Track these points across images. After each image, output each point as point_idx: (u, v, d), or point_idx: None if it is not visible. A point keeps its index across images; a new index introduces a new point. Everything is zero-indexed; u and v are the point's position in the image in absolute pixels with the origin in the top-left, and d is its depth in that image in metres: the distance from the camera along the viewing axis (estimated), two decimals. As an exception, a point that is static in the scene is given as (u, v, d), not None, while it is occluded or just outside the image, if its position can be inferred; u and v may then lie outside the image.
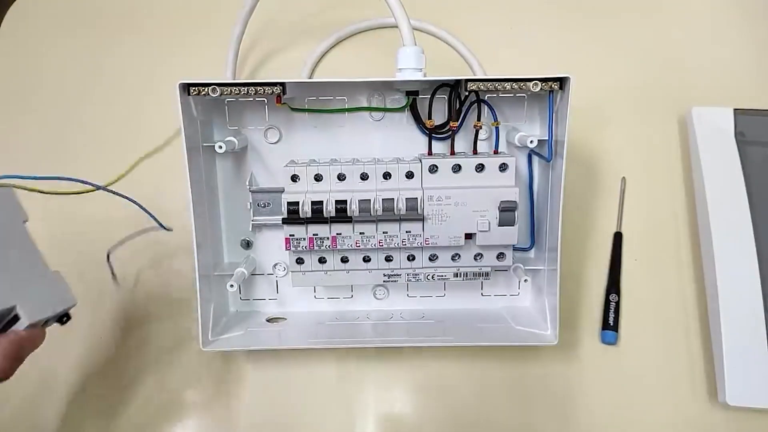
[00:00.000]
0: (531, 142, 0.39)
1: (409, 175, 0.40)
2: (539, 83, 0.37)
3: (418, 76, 0.38)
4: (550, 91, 0.38)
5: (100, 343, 0.46)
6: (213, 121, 0.42)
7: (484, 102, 0.41)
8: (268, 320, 0.45)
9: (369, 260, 0.42)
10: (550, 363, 0.45)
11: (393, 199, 0.39)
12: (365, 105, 0.42)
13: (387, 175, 0.40)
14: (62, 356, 0.45)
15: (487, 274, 0.42)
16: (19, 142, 0.51)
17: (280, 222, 0.40)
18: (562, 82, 0.37)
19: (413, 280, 0.42)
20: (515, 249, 0.43)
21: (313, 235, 0.40)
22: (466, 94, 0.40)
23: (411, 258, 0.42)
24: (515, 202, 0.39)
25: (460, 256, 0.42)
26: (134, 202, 0.29)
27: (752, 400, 0.41)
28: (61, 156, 0.50)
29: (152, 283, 0.47)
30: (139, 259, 0.47)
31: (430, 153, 0.42)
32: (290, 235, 0.40)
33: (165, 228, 0.31)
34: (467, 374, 0.45)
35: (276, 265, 0.45)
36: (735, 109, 0.48)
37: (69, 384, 0.45)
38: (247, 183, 0.43)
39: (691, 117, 0.48)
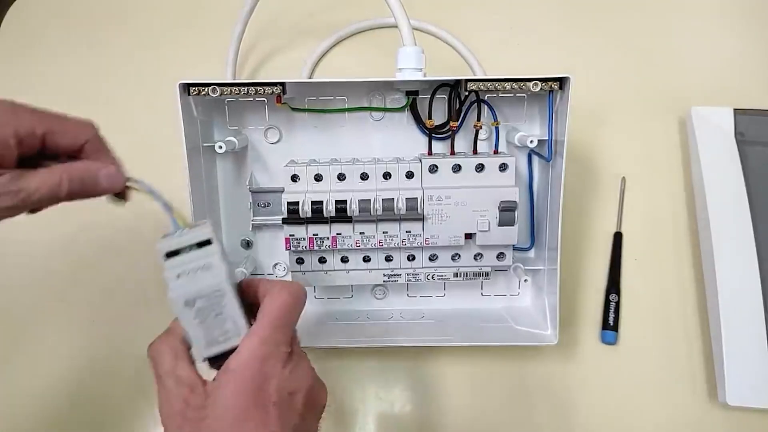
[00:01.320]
0: (531, 142, 0.39)
1: (409, 175, 0.40)
2: (539, 83, 0.37)
3: (418, 76, 0.38)
4: (549, 91, 0.38)
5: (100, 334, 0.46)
6: (213, 121, 0.42)
7: (484, 102, 0.41)
8: (268, 320, 0.44)
9: (369, 260, 0.42)
10: (550, 363, 0.45)
11: (393, 199, 0.39)
12: (365, 105, 0.42)
13: (387, 175, 0.40)
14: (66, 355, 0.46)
15: (487, 274, 0.42)
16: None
17: (280, 222, 0.40)
18: (561, 82, 0.37)
19: (413, 280, 0.42)
20: (515, 249, 0.43)
21: (313, 235, 0.40)
22: (466, 94, 0.40)
23: (411, 258, 0.42)
24: (515, 202, 0.39)
25: (460, 256, 0.42)
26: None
27: (752, 400, 0.41)
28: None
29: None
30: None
31: (430, 153, 0.42)
32: (290, 235, 0.40)
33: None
34: (467, 374, 0.45)
35: (276, 265, 0.45)
36: (735, 109, 0.48)
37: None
38: (247, 183, 0.43)
39: (691, 117, 0.48)
